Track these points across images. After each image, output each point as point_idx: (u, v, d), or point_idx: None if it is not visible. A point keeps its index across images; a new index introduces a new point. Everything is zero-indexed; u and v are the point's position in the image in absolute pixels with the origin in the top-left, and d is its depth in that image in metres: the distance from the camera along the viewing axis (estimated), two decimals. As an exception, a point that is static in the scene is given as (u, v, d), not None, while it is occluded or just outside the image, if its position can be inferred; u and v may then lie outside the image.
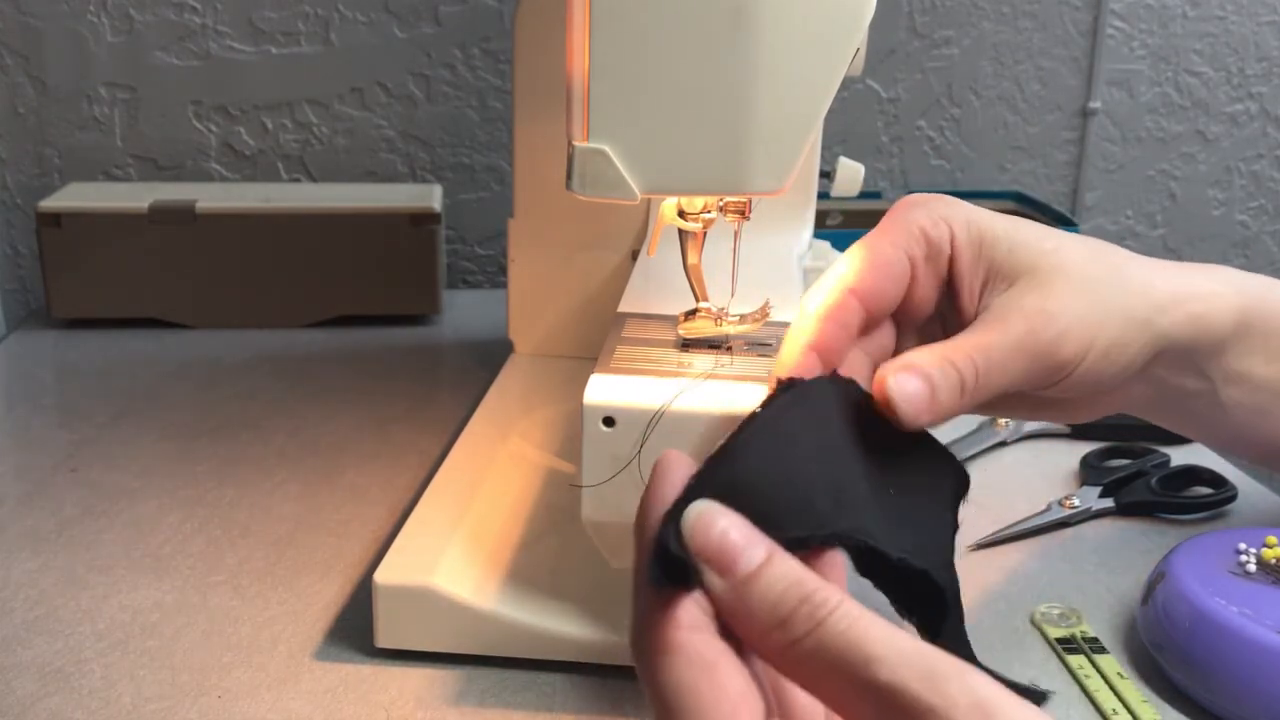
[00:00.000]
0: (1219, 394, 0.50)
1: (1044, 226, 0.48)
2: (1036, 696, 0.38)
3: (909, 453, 0.42)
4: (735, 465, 0.35)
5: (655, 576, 0.31)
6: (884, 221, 0.47)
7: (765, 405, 0.38)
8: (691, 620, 0.31)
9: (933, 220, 0.46)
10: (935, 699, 0.28)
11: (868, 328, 0.46)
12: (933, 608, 0.40)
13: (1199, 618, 0.51)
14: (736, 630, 0.32)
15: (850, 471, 0.39)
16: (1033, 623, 0.58)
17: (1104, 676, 0.53)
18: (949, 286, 0.47)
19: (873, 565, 0.39)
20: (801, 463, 0.36)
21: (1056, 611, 0.58)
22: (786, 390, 0.39)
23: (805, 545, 0.34)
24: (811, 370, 0.43)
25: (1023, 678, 0.39)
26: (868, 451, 0.40)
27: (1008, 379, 0.44)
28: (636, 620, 0.32)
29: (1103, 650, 0.55)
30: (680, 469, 0.34)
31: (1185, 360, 0.49)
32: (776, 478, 0.35)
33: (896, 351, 0.48)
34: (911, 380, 0.41)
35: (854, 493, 0.38)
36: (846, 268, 0.45)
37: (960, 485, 0.43)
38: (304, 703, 0.52)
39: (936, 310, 0.48)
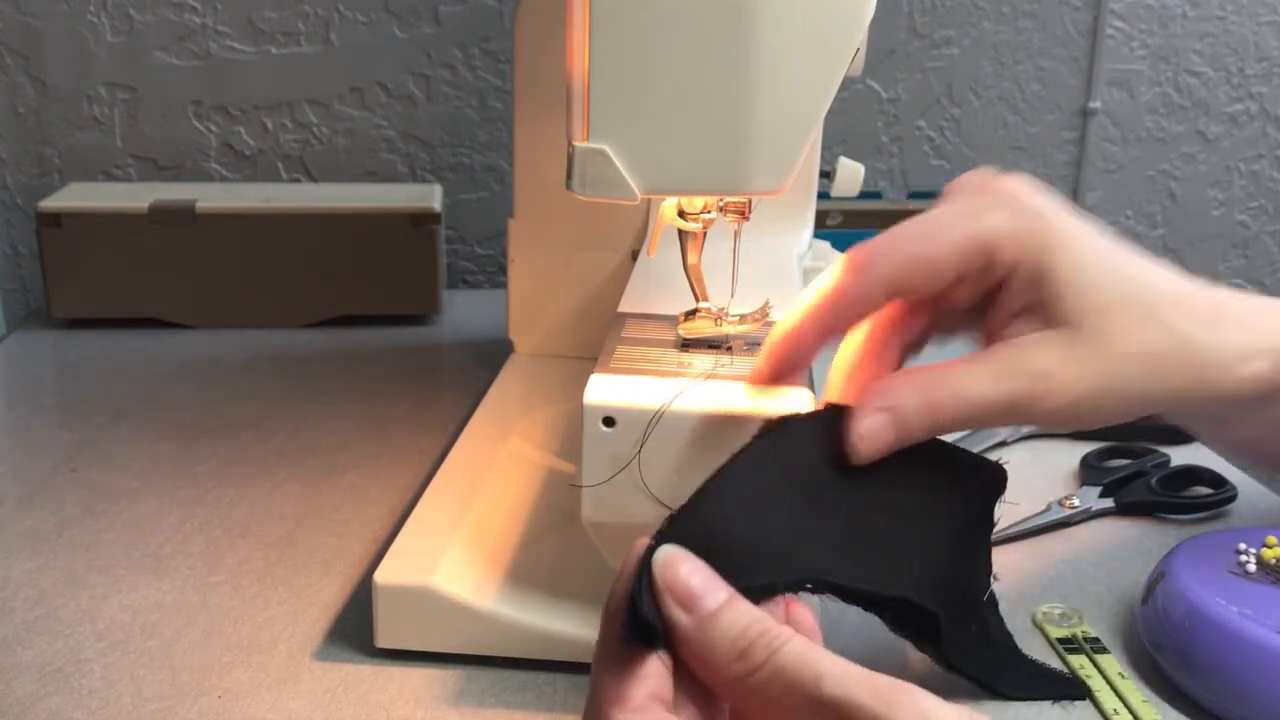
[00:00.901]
0: (1225, 421, 0.49)
1: (1113, 273, 0.43)
2: (1076, 688, 0.40)
3: (912, 468, 0.41)
4: (701, 516, 0.37)
5: (625, 635, 0.34)
6: (958, 211, 0.43)
7: (744, 449, 0.40)
8: (638, 703, 0.33)
9: (1007, 239, 0.42)
10: (880, 708, 0.30)
11: (899, 316, 0.46)
12: (928, 624, 0.40)
13: (1199, 618, 0.51)
14: (697, 668, 0.34)
15: (821, 511, 0.39)
16: (1034, 623, 0.58)
17: (1105, 676, 0.53)
18: (992, 291, 0.44)
19: (851, 595, 0.39)
20: (766, 513, 0.38)
21: (1058, 611, 0.58)
22: (765, 435, 0.40)
23: (768, 592, 0.37)
24: (784, 365, 0.44)
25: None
26: (854, 481, 0.40)
27: (980, 424, 0.43)
28: (590, 701, 0.35)
29: (1104, 650, 0.55)
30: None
31: (1189, 414, 0.49)
32: (739, 530, 0.37)
33: (926, 334, 0.47)
34: (880, 426, 0.40)
35: (820, 533, 0.39)
36: (890, 252, 0.42)
37: (993, 485, 0.43)
38: (304, 703, 0.52)
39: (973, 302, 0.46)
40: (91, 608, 0.59)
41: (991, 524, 0.43)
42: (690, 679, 0.35)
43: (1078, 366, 0.42)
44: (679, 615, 0.34)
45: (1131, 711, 0.51)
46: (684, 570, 0.35)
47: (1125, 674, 0.53)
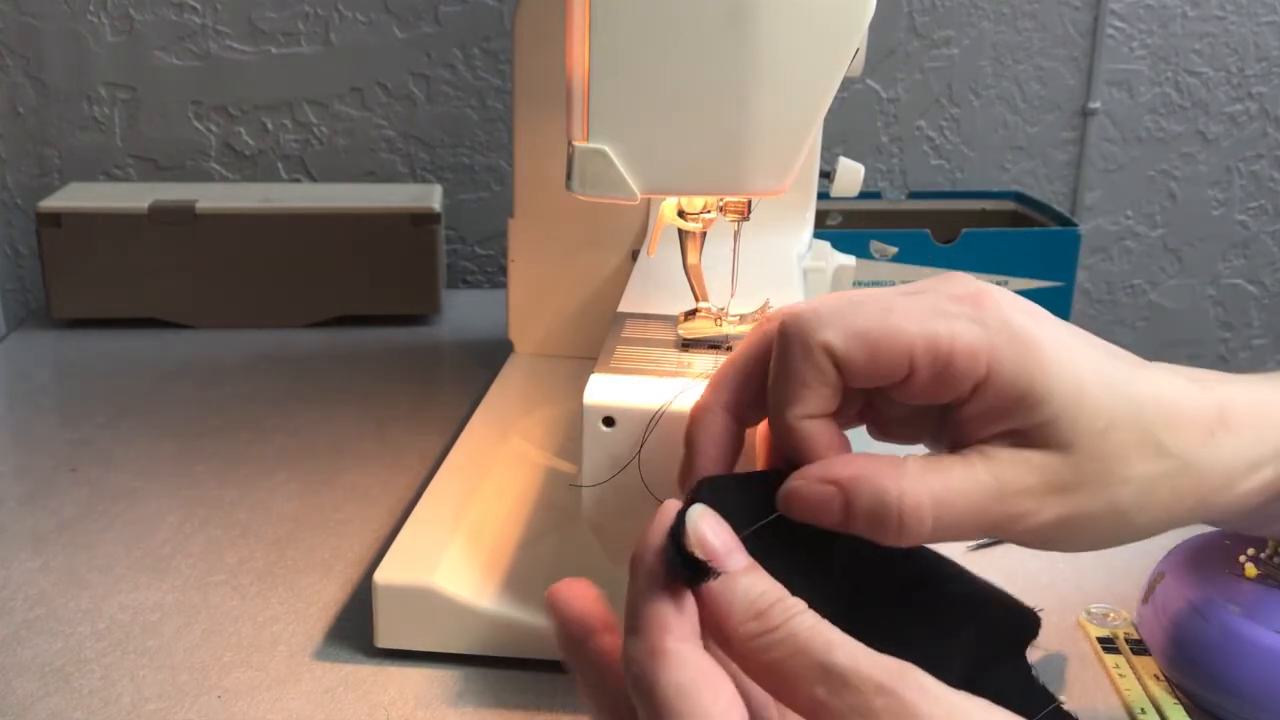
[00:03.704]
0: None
1: (1107, 392, 0.38)
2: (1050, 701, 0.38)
3: (929, 581, 0.39)
4: (735, 492, 0.37)
5: (673, 560, 0.34)
6: (926, 305, 0.37)
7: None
8: (685, 632, 0.33)
9: (972, 352, 0.37)
10: (884, 678, 0.31)
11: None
12: None
13: (1199, 618, 0.51)
14: (711, 625, 0.34)
15: (835, 574, 0.38)
16: (1078, 622, 0.59)
17: (1139, 677, 0.54)
18: (955, 408, 0.38)
19: None
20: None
21: (1103, 611, 0.59)
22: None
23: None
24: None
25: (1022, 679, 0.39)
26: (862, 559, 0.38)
27: (952, 538, 0.38)
28: (631, 634, 0.34)
29: (1144, 652, 0.55)
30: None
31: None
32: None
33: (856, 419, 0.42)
34: (816, 496, 0.36)
35: (838, 588, 0.38)
36: (832, 314, 0.37)
37: (1022, 629, 0.39)
38: (304, 703, 0.52)
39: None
40: (91, 608, 0.59)
41: (1027, 664, 0.39)
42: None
43: (1069, 490, 0.37)
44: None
45: (1160, 713, 0.51)
46: (711, 528, 0.35)
47: (1160, 677, 0.53)
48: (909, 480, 0.36)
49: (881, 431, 0.42)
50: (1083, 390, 0.37)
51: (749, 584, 0.34)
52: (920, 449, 0.40)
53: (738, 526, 0.36)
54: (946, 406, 0.38)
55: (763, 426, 0.41)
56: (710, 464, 0.40)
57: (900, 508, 0.36)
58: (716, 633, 0.35)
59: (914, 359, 0.37)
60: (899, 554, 0.37)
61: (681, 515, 0.35)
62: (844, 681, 0.32)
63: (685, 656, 0.33)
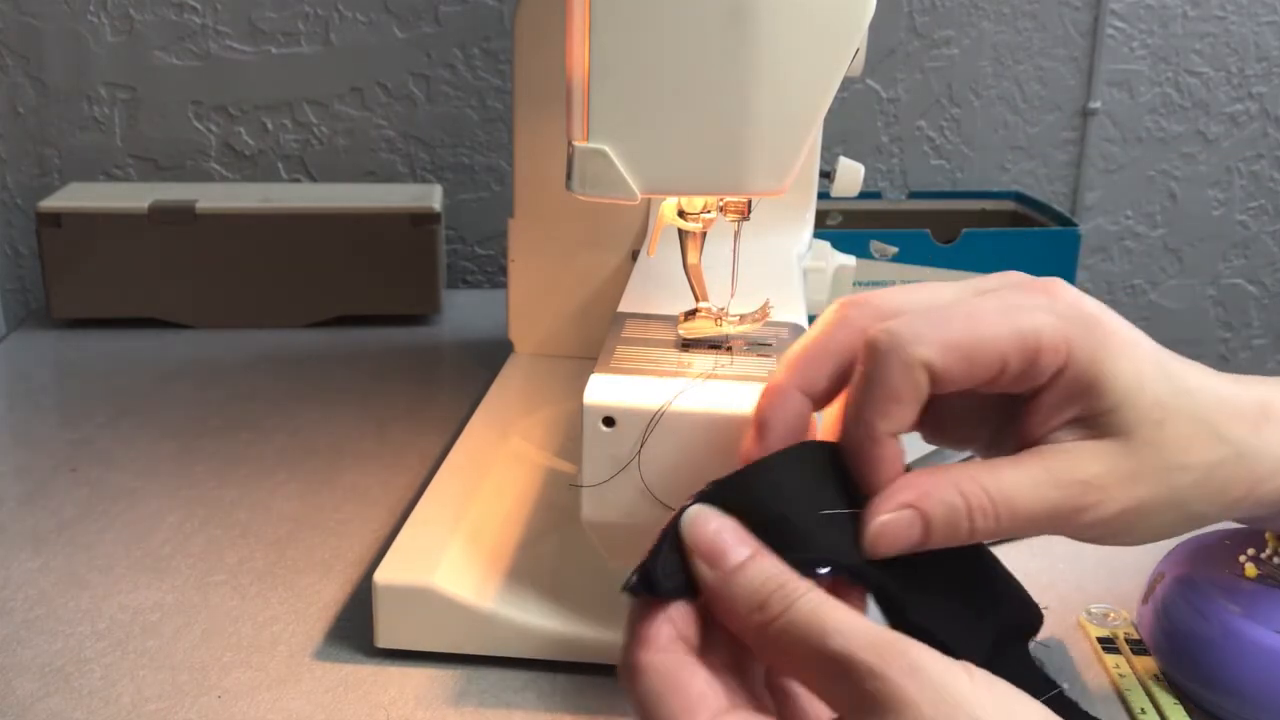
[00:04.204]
0: (1262, 523, 0.47)
1: (1164, 384, 0.40)
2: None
3: (957, 560, 0.40)
4: (746, 484, 0.38)
5: (630, 584, 0.37)
6: (1006, 304, 0.39)
7: (799, 445, 0.39)
8: (662, 644, 0.36)
9: (1055, 343, 0.38)
10: (875, 661, 0.33)
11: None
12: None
13: (1199, 617, 0.51)
14: (721, 616, 0.37)
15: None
16: (1079, 622, 0.58)
17: (1139, 678, 0.54)
18: (1026, 398, 0.40)
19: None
20: (811, 496, 0.38)
21: (1103, 611, 0.59)
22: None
23: (802, 565, 0.37)
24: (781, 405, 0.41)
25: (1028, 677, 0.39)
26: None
27: (1020, 533, 0.40)
28: (622, 648, 0.37)
29: (1145, 652, 0.55)
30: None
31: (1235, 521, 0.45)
32: (782, 504, 0.37)
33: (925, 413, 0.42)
34: (902, 524, 0.37)
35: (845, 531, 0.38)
36: (928, 333, 0.37)
37: (1026, 623, 0.40)
38: (304, 703, 0.52)
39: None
40: (91, 608, 0.59)
41: (1029, 652, 0.40)
42: (720, 632, 0.37)
43: (1131, 479, 0.39)
44: (704, 570, 0.36)
45: (1160, 713, 0.51)
46: (712, 527, 0.37)
47: (1160, 677, 0.53)
48: (969, 483, 0.37)
49: (936, 433, 0.44)
50: (1143, 380, 0.39)
51: (749, 576, 0.36)
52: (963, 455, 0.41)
53: (766, 512, 0.37)
54: (1013, 400, 0.40)
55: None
56: (779, 442, 0.40)
57: (969, 509, 0.37)
58: (731, 627, 0.37)
59: (1006, 359, 0.38)
60: None
61: (666, 533, 0.37)
62: (839, 668, 0.33)
63: (654, 667, 0.36)
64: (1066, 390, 0.39)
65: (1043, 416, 0.39)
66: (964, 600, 0.39)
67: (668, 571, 0.37)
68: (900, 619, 0.38)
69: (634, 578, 0.37)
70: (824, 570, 0.37)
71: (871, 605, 0.39)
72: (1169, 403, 0.40)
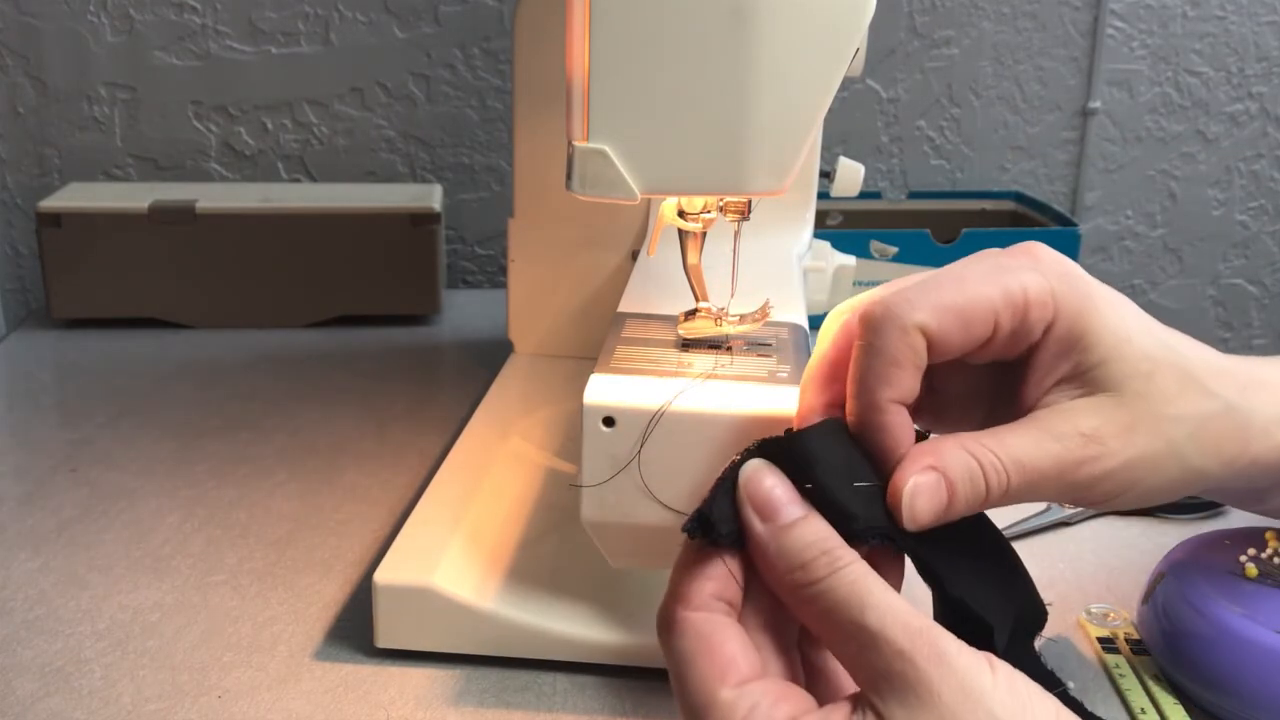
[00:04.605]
0: (1264, 495, 0.47)
1: (1149, 338, 0.41)
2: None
3: (981, 541, 0.40)
4: (794, 446, 0.39)
5: (690, 527, 0.37)
6: (994, 265, 0.40)
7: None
8: (699, 602, 0.37)
9: (1042, 298, 0.39)
10: (905, 643, 0.33)
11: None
12: (982, 631, 0.40)
13: (1199, 617, 0.51)
14: (765, 572, 0.37)
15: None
16: (1078, 622, 0.58)
17: (1140, 677, 0.54)
18: (1019, 363, 0.41)
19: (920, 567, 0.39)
20: (852, 466, 0.39)
21: (1103, 611, 0.59)
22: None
23: (848, 536, 0.37)
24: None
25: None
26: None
27: (1033, 496, 0.40)
28: (663, 600, 0.38)
29: (1144, 652, 0.55)
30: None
31: (1235, 488, 0.45)
32: (825, 469, 0.38)
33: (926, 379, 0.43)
34: (931, 486, 0.37)
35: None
36: (922, 298, 0.39)
37: (1032, 619, 0.40)
38: (304, 703, 0.52)
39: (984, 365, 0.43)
40: (91, 608, 0.59)
41: (1035, 650, 0.41)
42: (762, 590, 0.38)
43: (1127, 431, 0.40)
44: (756, 523, 0.37)
45: (1160, 712, 0.51)
46: (768, 483, 0.37)
47: (1160, 677, 0.53)
48: (975, 445, 0.38)
49: (937, 417, 0.45)
50: (1129, 334, 0.41)
51: (799, 535, 0.36)
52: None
53: (810, 474, 0.38)
54: (1007, 378, 0.42)
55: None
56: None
57: (981, 467, 0.38)
58: (770, 581, 0.37)
59: (998, 317, 0.39)
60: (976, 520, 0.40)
61: (722, 480, 0.38)
62: (870, 642, 0.34)
63: (690, 624, 0.37)
64: (1057, 346, 0.40)
65: (1037, 379, 0.41)
66: (993, 582, 0.40)
67: (722, 517, 0.37)
68: (940, 591, 0.38)
69: (692, 521, 0.37)
70: (873, 541, 0.37)
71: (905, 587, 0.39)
72: (1157, 355, 0.41)
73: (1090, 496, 0.40)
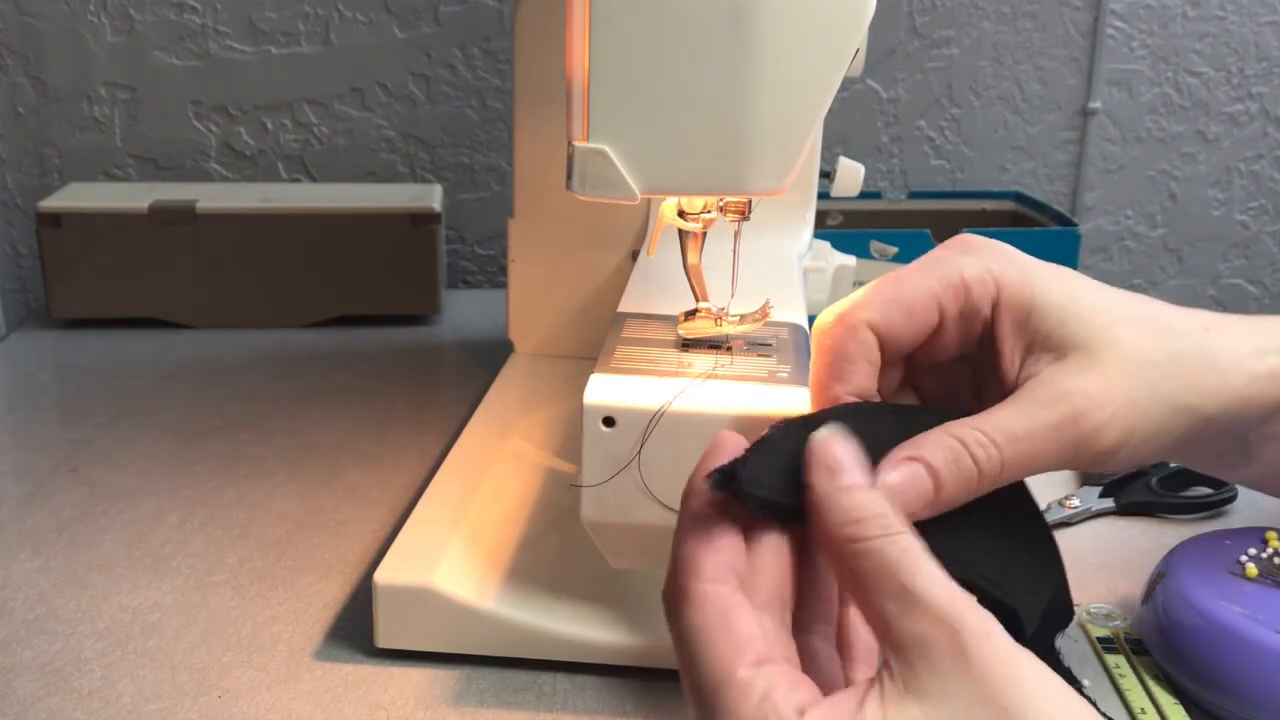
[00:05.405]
0: (1252, 449, 0.46)
1: (1100, 294, 0.43)
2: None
3: (1014, 523, 0.41)
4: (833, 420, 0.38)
5: (717, 479, 0.36)
6: (928, 259, 0.43)
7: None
8: (713, 573, 0.35)
9: (980, 276, 0.42)
10: (950, 610, 0.33)
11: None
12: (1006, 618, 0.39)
13: (1199, 618, 0.51)
14: (816, 522, 0.36)
15: None
16: (1078, 621, 0.58)
17: (1140, 677, 0.54)
18: (988, 345, 0.43)
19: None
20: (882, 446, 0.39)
21: (1103, 612, 0.59)
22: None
23: None
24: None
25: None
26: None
27: (1035, 466, 0.40)
28: (668, 574, 0.37)
29: (1144, 652, 0.55)
30: (733, 446, 0.38)
31: (1225, 431, 0.46)
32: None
33: (908, 384, 0.45)
34: (910, 480, 0.38)
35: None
36: (867, 298, 0.42)
37: (1057, 615, 0.41)
38: (304, 703, 0.52)
39: (962, 355, 0.44)
40: (91, 608, 0.59)
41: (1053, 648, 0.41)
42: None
43: (1107, 383, 0.41)
44: (822, 479, 0.36)
45: (1160, 712, 0.51)
46: (841, 448, 0.37)
47: (1160, 677, 0.53)
48: (958, 427, 0.39)
49: None
50: (1076, 292, 0.42)
51: (864, 497, 0.36)
52: None
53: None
54: (984, 362, 0.43)
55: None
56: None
57: (966, 444, 0.38)
58: (819, 528, 0.36)
59: (941, 304, 0.42)
60: (1021, 503, 0.40)
61: (764, 439, 0.37)
62: (914, 604, 0.33)
63: (705, 598, 0.35)
64: (1011, 317, 0.42)
65: (1008, 357, 0.42)
66: (1021, 567, 0.40)
67: (750, 478, 0.36)
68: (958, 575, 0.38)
69: (719, 473, 0.37)
70: None
71: None
72: (1111, 309, 0.42)
73: (1090, 455, 0.41)
